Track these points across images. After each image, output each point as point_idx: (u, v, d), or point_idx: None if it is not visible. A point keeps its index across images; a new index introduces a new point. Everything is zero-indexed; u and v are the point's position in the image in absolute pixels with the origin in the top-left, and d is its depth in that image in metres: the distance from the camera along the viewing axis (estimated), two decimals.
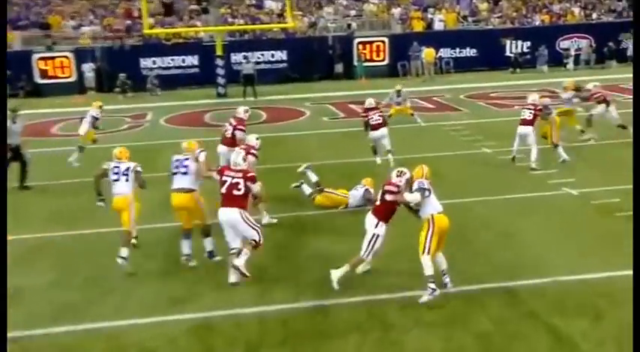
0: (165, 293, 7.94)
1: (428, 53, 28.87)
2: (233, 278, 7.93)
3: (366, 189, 10.86)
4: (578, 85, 15.29)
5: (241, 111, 11.65)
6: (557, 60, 30.63)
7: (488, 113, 19.82)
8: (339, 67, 29.81)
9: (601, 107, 14.95)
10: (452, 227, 7.61)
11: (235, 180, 7.94)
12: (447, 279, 7.62)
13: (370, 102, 13.62)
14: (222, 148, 11.22)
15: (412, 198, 7.51)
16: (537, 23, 32.75)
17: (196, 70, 29.03)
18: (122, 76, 26.85)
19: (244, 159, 8.22)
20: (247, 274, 7.82)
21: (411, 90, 24.89)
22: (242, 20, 31.46)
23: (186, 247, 8.67)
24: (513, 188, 11.74)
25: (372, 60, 30.00)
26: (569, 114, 14.84)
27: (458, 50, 30.83)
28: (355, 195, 10.95)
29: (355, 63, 29.68)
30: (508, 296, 7.43)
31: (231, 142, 11.02)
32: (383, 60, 30.21)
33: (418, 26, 31.34)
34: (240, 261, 7.79)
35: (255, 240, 7.92)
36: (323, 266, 8.10)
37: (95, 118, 14.63)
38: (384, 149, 13.41)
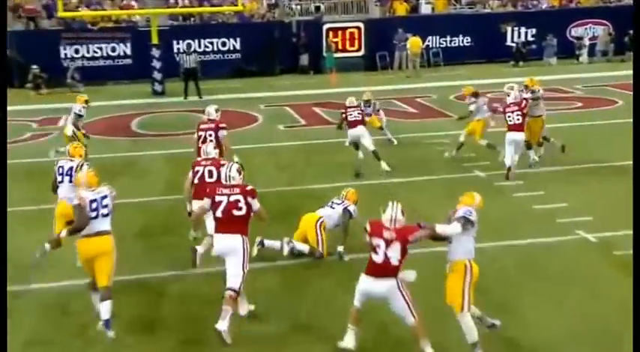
0: None
1: (413, 43, 28.07)
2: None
3: (345, 208, 9.71)
4: (476, 90, 15.14)
5: (213, 112, 11.69)
6: (568, 51, 30.14)
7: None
8: (304, 59, 28.99)
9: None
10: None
11: (234, 198, 7.55)
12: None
13: (351, 100, 14.15)
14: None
15: (452, 230, 6.90)
16: (545, 6, 32.46)
17: (129, 60, 27.97)
18: (34, 68, 25.63)
19: (239, 172, 7.82)
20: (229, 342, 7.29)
21: (392, 88, 24.10)
22: (187, 0, 30.05)
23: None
24: (513, 230, 10.51)
25: (344, 50, 29.31)
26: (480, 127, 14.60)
27: (448, 39, 30.32)
28: (332, 214, 9.72)
29: (324, 53, 28.59)
30: None
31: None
32: (358, 50, 29.58)
33: (401, 10, 30.78)
34: (223, 325, 7.33)
35: (234, 290, 7.49)
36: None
37: (78, 116, 14.56)
38: (367, 151, 13.76)
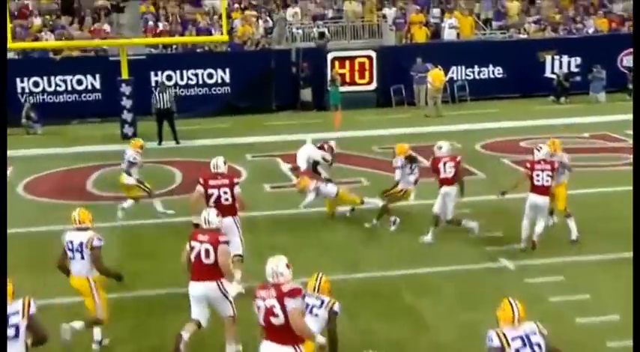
0: None
1: (435, 76, 27.02)
2: None
3: (331, 310, 8.25)
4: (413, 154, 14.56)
5: (222, 164, 11.67)
6: (619, 84, 28.96)
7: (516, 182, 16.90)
8: (306, 93, 28.07)
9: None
10: None
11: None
12: None
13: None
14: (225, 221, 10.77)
15: None
16: (591, 31, 31.68)
17: (98, 95, 27.13)
18: None
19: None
20: None
21: (405, 131, 22.91)
22: (168, 23, 29.15)
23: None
24: None
25: (353, 83, 28.45)
26: None
27: (476, 69, 29.52)
28: (316, 323, 8.22)
29: (328, 87, 27.61)
30: None
31: (229, 209, 11.16)
32: (369, 83, 28.71)
33: (420, 35, 29.87)
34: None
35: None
36: None
37: (131, 163, 14.90)
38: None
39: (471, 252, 12.80)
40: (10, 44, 21.87)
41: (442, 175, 13.14)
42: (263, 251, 11.22)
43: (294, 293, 7.08)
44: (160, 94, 22.59)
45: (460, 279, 11.69)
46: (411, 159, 14.25)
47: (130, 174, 14.94)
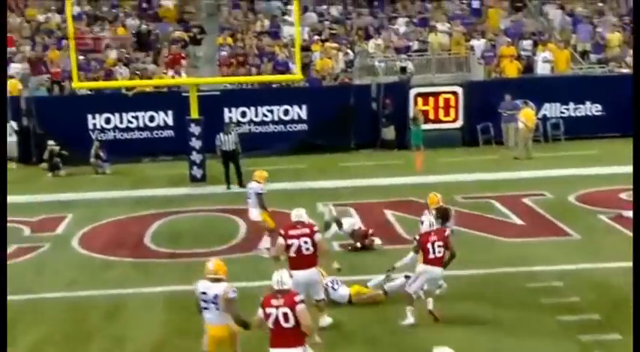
0: None
1: (527, 115, 25.36)
2: None
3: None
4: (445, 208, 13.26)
5: (304, 214, 11.53)
6: None
7: (620, 246, 14.89)
8: (388, 132, 26.91)
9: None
10: None
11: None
12: None
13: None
14: (298, 274, 10.90)
15: None
16: None
17: (170, 132, 26.56)
18: (51, 144, 24.47)
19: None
20: None
21: (490, 177, 21.79)
22: (245, 56, 28.32)
23: None
24: None
25: (437, 120, 27.21)
26: None
27: (572, 106, 27.96)
28: None
29: (410, 126, 26.37)
30: None
31: (310, 261, 11.14)
32: (454, 121, 27.41)
33: (511, 69, 28.34)
34: None
35: None
36: None
37: (259, 194, 15.37)
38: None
39: (562, 346, 10.95)
40: (75, 84, 21.25)
41: (430, 256, 11.59)
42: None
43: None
44: (226, 136, 21.48)
45: None
46: (442, 215, 12.77)
47: (263, 207, 15.44)
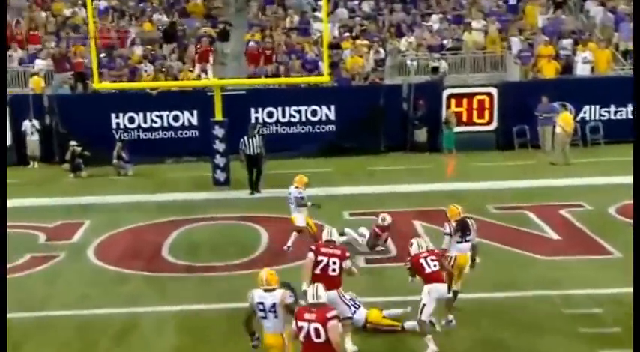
0: None
1: (565, 119, 24.39)
2: None
3: None
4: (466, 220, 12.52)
5: (336, 234, 11.64)
6: None
7: None
8: (420, 134, 26.08)
9: None
10: None
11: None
12: None
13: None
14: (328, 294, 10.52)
15: None
16: None
17: (194, 132, 26.03)
18: (73, 144, 23.94)
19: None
20: None
21: (524, 185, 21.06)
22: (273, 52, 27.66)
23: None
24: None
25: (471, 122, 26.32)
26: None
27: (612, 109, 26.85)
28: None
29: (443, 129, 25.51)
30: None
31: (333, 283, 10.96)
32: (489, 123, 26.45)
33: (549, 70, 27.32)
34: None
35: None
36: None
37: (300, 198, 15.65)
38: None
39: None
40: (96, 85, 20.67)
41: (427, 271, 11.22)
42: None
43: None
44: (250, 139, 20.76)
45: None
46: (462, 228, 12.27)
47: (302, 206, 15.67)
